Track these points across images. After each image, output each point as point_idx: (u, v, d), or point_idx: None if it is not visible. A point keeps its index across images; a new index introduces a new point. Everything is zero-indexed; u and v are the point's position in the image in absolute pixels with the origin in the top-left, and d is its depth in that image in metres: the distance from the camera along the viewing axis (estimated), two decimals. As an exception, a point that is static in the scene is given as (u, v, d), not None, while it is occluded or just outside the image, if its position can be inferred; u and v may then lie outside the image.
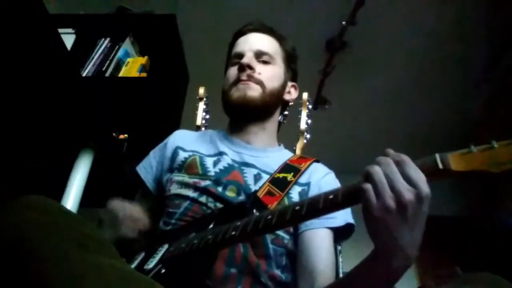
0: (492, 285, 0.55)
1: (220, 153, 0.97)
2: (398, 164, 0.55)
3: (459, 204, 3.75)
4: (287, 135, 1.70)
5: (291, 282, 0.86)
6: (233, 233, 0.67)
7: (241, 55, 1.04)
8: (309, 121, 1.72)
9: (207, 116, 1.69)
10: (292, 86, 1.13)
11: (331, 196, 0.60)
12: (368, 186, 0.55)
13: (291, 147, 1.65)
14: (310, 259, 0.83)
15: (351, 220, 0.89)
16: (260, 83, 1.00)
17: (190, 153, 0.98)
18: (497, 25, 2.73)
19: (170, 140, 1.05)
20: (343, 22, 2.72)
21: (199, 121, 1.72)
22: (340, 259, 1.30)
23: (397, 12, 2.74)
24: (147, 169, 1.03)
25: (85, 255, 0.47)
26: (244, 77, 0.99)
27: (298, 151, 1.64)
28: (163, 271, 0.71)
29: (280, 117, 1.15)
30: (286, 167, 0.94)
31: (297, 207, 0.62)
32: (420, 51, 2.98)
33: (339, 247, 1.23)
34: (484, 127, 3.06)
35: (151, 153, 1.07)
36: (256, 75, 1.00)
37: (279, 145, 1.11)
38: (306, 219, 0.65)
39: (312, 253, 0.83)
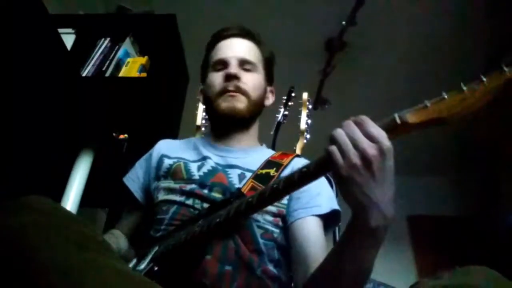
0: (485, 276, 0.56)
1: (204, 158, 0.99)
2: (358, 124, 0.59)
3: (459, 204, 3.75)
4: (287, 135, 1.70)
5: (284, 278, 0.87)
6: (218, 220, 0.71)
7: (225, 63, 1.03)
8: (309, 121, 1.72)
9: (207, 116, 1.69)
10: (270, 91, 1.14)
11: (304, 169, 0.63)
12: (333, 148, 0.58)
13: (291, 147, 1.65)
14: (301, 247, 0.84)
15: (336, 206, 0.91)
16: (246, 93, 1.01)
17: (175, 160, 0.99)
18: (496, 26, 2.73)
19: (155, 149, 1.07)
20: (343, 22, 2.72)
21: (199, 121, 1.73)
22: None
23: (397, 12, 2.74)
24: (134, 179, 1.04)
25: (85, 256, 0.47)
26: (231, 87, 1.00)
27: (298, 151, 1.64)
28: (155, 268, 0.72)
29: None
30: (269, 163, 0.96)
31: (275, 185, 0.66)
32: (419, 51, 2.98)
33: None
34: (484, 127, 3.06)
35: (137, 164, 1.08)
36: (242, 85, 1.01)
37: (261, 145, 1.13)
38: (284, 194, 0.69)
39: (303, 241, 0.84)
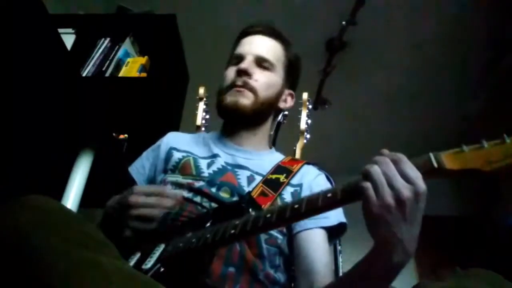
0: (487, 279, 0.55)
1: (214, 155, 0.98)
2: (395, 162, 0.57)
3: (459, 204, 3.75)
4: (287, 135, 1.70)
5: (285, 282, 0.87)
6: (232, 231, 0.68)
7: (241, 58, 1.03)
8: (309, 121, 1.72)
9: (207, 116, 1.69)
10: (289, 94, 1.11)
11: (329, 194, 0.61)
12: (368, 185, 0.57)
13: (291, 147, 1.65)
14: (307, 259, 0.84)
15: (343, 219, 0.91)
16: (253, 90, 0.99)
17: (184, 154, 0.98)
18: (497, 27, 2.74)
19: (163, 141, 1.06)
20: (343, 22, 2.72)
21: (199, 121, 1.73)
22: (340, 259, 1.30)
23: (397, 12, 2.74)
24: (139, 169, 1.03)
25: (86, 255, 0.47)
26: (239, 82, 0.99)
27: (298, 151, 1.64)
28: (162, 270, 0.71)
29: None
30: (279, 169, 0.95)
31: (296, 205, 0.63)
32: (420, 51, 2.98)
33: (339, 247, 1.23)
34: (484, 128, 3.06)
35: (144, 154, 1.07)
36: (251, 81, 0.99)
37: (271, 148, 1.11)
38: (305, 217, 0.67)
39: (309, 253, 0.84)
